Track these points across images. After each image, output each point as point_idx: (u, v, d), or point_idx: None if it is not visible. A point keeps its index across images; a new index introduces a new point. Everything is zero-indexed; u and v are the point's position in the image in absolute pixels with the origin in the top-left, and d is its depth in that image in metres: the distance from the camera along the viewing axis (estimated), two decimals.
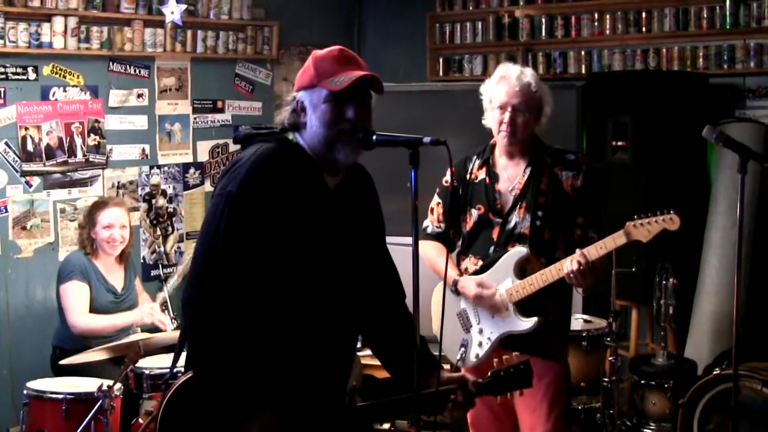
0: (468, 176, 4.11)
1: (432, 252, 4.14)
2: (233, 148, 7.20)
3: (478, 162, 4.11)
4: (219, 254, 2.73)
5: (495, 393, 3.04)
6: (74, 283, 5.27)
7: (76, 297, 5.26)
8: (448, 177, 4.13)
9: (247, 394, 2.74)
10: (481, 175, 4.08)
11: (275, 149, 2.83)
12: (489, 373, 3.06)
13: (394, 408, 3.02)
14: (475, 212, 4.05)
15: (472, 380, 3.02)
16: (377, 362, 6.08)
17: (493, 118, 4.00)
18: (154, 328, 5.77)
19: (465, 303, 4.10)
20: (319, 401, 2.89)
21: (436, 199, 4.21)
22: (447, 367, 4.63)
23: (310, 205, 2.84)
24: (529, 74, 3.98)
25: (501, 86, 3.97)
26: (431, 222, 4.21)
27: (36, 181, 5.96)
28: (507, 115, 3.93)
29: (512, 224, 3.98)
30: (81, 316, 5.23)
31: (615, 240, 3.82)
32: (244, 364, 2.74)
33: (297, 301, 2.82)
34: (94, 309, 5.31)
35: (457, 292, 4.06)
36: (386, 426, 6.05)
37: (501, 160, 4.07)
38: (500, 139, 4.00)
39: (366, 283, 3.05)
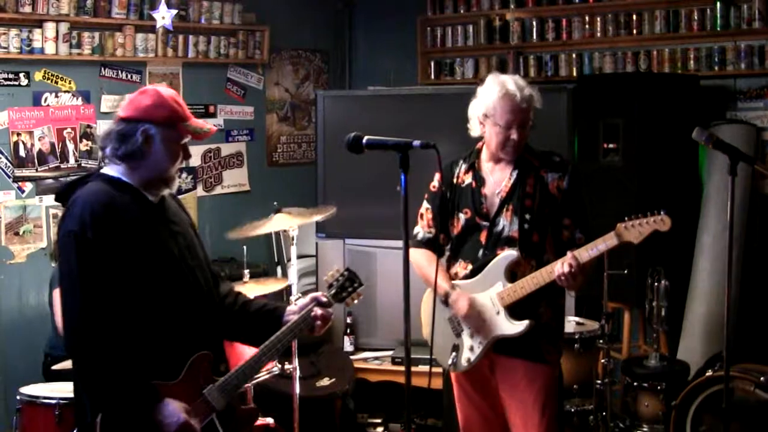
0: (455, 180, 4.11)
1: (423, 260, 4.14)
2: (225, 152, 7.21)
3: (464, 166, 4.12)
4: (81, 287, 2.97)
5: (340, 301, 3.47)
6: None
7: None
8: (436, 182, 4.13)
9: (141, 396, 3.02)
10: (468, 179, 4.08)
11: (99, 184, 3.11)
12: (327, 288, 3.46)
13: (251, 367, 3.28)
14: (462, 216, 4.06)
15: (321, 294, 3.42)
16: (370, 366, 6.13)
17: (493, 134, 3.97)
18: None
19: None
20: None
21: (425, 204, 4.21)
22: (439, 369, 4.65)
23: (144, 220, 3.12)
24: (525, 85, 3.97)
25: (504, 104, 3.92)
26: (422, 228, 4.20)
27: (28, 186, 5.96)
28: (515, 133, 3.92)
29: (500, 227, 3.98)
30: None
31: (606, 242, 3.82)
32: (134, 374, 3.01)
33: (162, 298, 3.11)
34: None
35: (446, 304, 4.05)
36: (379, 430, 6.07)
37: (487, 164, 4.07)
38: (504, 153, 3.99)
39: (204, 269, 3.34)
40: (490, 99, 3.96)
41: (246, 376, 3.28)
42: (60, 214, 5.92)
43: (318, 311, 3.35)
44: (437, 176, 4.03)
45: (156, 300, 3.10)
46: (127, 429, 3.03)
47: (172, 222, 3.25)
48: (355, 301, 3.53)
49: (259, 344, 3.30)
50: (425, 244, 4.18)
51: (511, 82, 3.96)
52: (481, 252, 4.01)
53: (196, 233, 3.40)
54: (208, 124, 3.29)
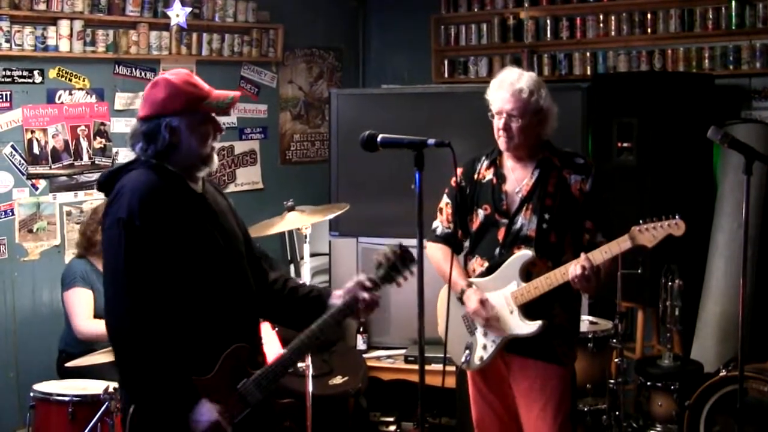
0: (475, 176, 4.11)
1: (440, 255, 4.13)
2: (239, 150, 7.21)
3: (486, 162, 4.11)
4: (127, 277, 2.94)
5: (390, 282, 3.32)
6: (76, 290, 5.27)
7: (79, 303, 5.26)
8: (456, 177, 4.12)
9: (182, 392, 2.99)
10: (489, 175, 4.08)
11: (145, 172, 3.07)
12: (376, 268, 3.32)
13: (288, 360, 3.23)
14: (481, 212, 4.05)
15: (366, 277, 3.31)
16: (383, 364, 6.13)
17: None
18: None
19: None
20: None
21: (445, 199, 4.21)
22: (452, 368, 4.64)
23: (190, 209, 3.08)
24: (525, 80, 3.94)
25: (497, 92, 3.96)
26: (441, 222, 4.20)
27: (42, 183, 5.97)
28: (501, 122, 3.94)
29: (518, 225, 3.97)
30: (86, 321, 5.23)
31: (620, 244, 3.80)
32: (174, 370, 2.98)
33: (203, 289, 3.07)
34: (98, 313, 5.31)
35: (462, 301, 4.05)
36: (392, 428, 6.06)
37: (509, 161, 4.06)
38: (500, 144, 4.01)
39: (251, 260, 3.32)
40: (491, 89, 4.02)
41: (283, 368, 3.20)
42: (74, 211, 6.01)
43: (364, 296, 3.28)
44: (458, 171, 4.03)
45: (198, 291, 3.06)
46: (159, 423, 3.01)
47: (214, 211, 3.20)
48: (407, 280, 3.35)
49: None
50: (443, 239, 4.18)
51: (511, 73, 3.99)
52: (497, 250, 4.00)
53: (236, 216, 3.35)
54: (232, 92, 3.23)
